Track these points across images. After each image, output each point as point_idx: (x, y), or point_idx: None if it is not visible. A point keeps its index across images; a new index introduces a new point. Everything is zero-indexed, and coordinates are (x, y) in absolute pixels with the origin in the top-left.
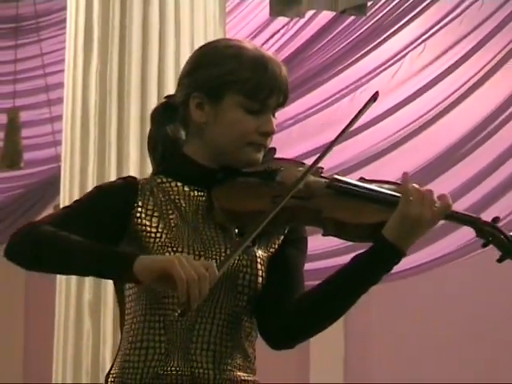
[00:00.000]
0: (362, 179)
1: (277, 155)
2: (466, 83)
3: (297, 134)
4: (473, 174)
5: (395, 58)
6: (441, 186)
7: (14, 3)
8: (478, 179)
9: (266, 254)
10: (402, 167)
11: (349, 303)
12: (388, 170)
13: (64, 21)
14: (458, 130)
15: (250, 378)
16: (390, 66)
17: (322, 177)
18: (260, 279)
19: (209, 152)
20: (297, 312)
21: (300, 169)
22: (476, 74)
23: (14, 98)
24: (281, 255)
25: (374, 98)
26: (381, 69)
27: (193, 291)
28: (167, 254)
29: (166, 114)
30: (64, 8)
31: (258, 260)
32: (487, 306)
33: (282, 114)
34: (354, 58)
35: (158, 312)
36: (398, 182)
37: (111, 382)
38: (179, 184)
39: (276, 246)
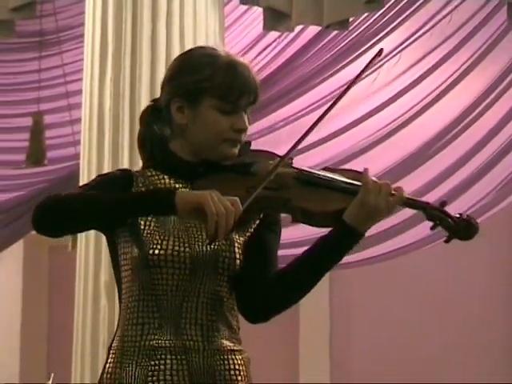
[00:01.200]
0: (326, 168)
1: (270, 152)
2: (436, 89)
3: (287, 135)
4: (443, 169)
5: (374, 67)
6: (415, 179)
7: (38, 20)
8: (447, 173)
9: (242, 238)
10: (381, 163)
11: (316, 278)
12: (369, 165)
13: (82, 35)
14: (430, 130)
15: (236, 348)
16: (369, 74)
17: (292, 167)
18: (238, 261)
19: (191, 148)
20: (271, 287)
21: (271, 162)
22: (444, 81)
23: (39, 103)
24: (257, 237)
25: (379, 53)
26: (362, 76)
27: (221, 223)
28: (155, 240)
29: (153, 115)
30: (82, 24)
31: (236, 244)
32: (455, 286)
33: (274, 117)
34: (337, 67)
35: (151, 292)
36: (360, 171)
37: (113, 353)
38: (166, 177)
39: (252, 230)
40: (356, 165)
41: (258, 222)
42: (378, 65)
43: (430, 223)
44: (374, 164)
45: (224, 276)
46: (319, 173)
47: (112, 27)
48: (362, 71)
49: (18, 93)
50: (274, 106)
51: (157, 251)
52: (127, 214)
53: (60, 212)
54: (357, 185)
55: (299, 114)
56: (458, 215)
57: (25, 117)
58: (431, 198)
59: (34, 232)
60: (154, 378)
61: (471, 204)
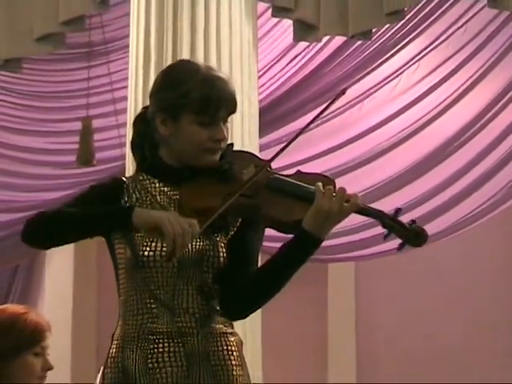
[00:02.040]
0: (298, 172)
1: (301, 151)
2: (451, 95)
3: (317, 136)
4: (457, 169)
5: (395, 74)
6: (431, 179)
7: (87, 32)
8: (461, 173)
9: (225, 240)
10: (400, 163)
11: (285, 279)
12: (388, 166)
13: (127, 46)
14: (445, 133)
15: (228, 331)
16: (391, 80)
17: (268, 171)
18: (222, 259)
19: (175, 156)
20: (249, 286)
21: (245, 171)
22: (459, 87)
23: (87, 108)
24: (240, 236)
25: (343, 92)
26: (383, 83)
27: (178, 242)
28: (145, 242)
29: (143, 123)
30: (127, 36)
31: (220, 244)
32: (472, 276)
33: (303, 120)
34: (361, 74)
35: (145, 288)
36: (329, 176)
37: (115, 340)
38: (156, 181)
39: (234, 229)
40: (376, 166)
41: (240, 221)
42: (399, 72)
43: (385, 232)
44: (392, 165)
45: (209, 273)
46: (289, 180)
47: (154, 38)
48: (326, 107)
49: (68, 99)
50: (305, 109)
51: (146, 252)
52: (93, 229)
53: (40, 230)
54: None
55: (327, 116)
56: (409, 223)
57: (74, 121)
58: (446, 196)
59: None
60: (154, 359)
61: (483, 201)
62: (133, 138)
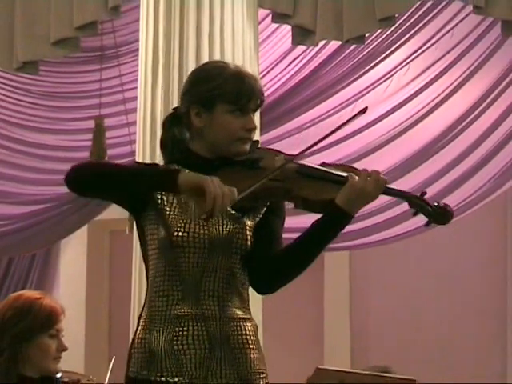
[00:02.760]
0: (323, 163)
1: (295, 149)
2: (439, 95)
3: (313, 134)
4: (445, 164)
5: (387, 76)
6: (421, 173)
7: (99, 37)
8: (449, 167)
9: (252, 223)
10: (392, 159)
11: (315, 254)
12: (380, 162)
13: (137, 50)
14: (434, 130)
15: (246, 316)
16: (382, 82)
17: (295, 163)
18: (249, 242)
19: (208, 147)
20: (277, 263)
21: (276, 158)
22: (447, 88)
23: (100, 108)
24: (265, 222)
25: (363, 111)
26: (376, 84)
27: (218, 202)
28: (179, 223)
29: (173, 121)
30: (137, 40)
31: (247, 228)
32: (458, 261)
33: (301, 119)
34: (356, 76)
35: (174, 268)
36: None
37: (142, 322)
38: (187, 171)
39: (260, 215)
40: (370, 161)
41: (265, 209)
42: (391, 74)
43: (413, 211)
44: (385, 160)
45: (237, 255)
46: (317, 167)
47: (162, 43)
48: (348, 120)
49: (81, 100)
50: (301, 109)
51: (180, 233)
52: (138, 184)
53: (87, 174)
54: (347, 176)
55: (323, 116)
56: (435, 203)
57: (88, 120)
58: (436, 188)
59: (96, 218)
60: (178, 341)
61: (470, 193)
62: (162, 137)
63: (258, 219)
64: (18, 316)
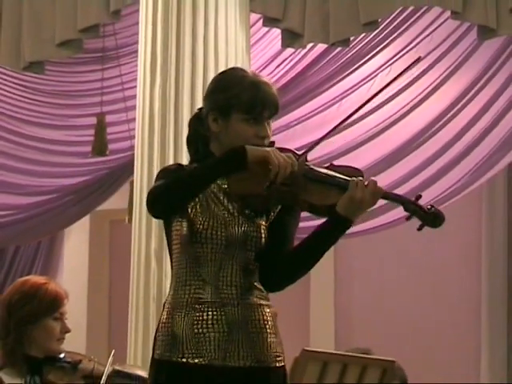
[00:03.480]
0: (331, 165)
1: (284, 146)
2: (419, 95)
3: (300, 131)
4: (423, 160)
5: (370, 77)
6: (399, 169)
7: (101, 39)
8: (426, 164)
9: (266, 223)
10: (373, 155)
11: (319, 255)
12: (362, 158)
13: (136, 51)
14: (414, 128)
15: (264, 303)
16: (366, 82)
17: (304, 165)
18: (263, 240)
19: (224, 150)
20: (286, 262)
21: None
22: (426, 88)
23: (101, 105)
24: (279, 221)
25: (418, 60)
26: (360, 84)
27: (281, 171)
28: (199, 221)
29: (197, 122)
30: (136, 42)
31: (262, 227)
32: (435, 253)
33: (289, 117)
34: (341, 77)
35: (195, 261)
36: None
37: (167, 308)
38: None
39: (274, 215)
40: (354, 156)
41: (280, 209)
42: (374, 75)
43: (407, 215)
44: (369, 155)
45: (252, 252)
46: (323, 171)
47: (160, 45)
48: (402, 73)
49: (84, 98)
50: (289, 108)
51: (200, 230)
52: (214, 177)
53: (165, 200)
54: (349, 181)
55: (310, 114)
56: (428, 207)
57: (90, 117)
58: (413, 183)
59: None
60: (199, 325)
61: (448, 186)
62: (188, 135)
63: (271, 219)
64: (25, 300)
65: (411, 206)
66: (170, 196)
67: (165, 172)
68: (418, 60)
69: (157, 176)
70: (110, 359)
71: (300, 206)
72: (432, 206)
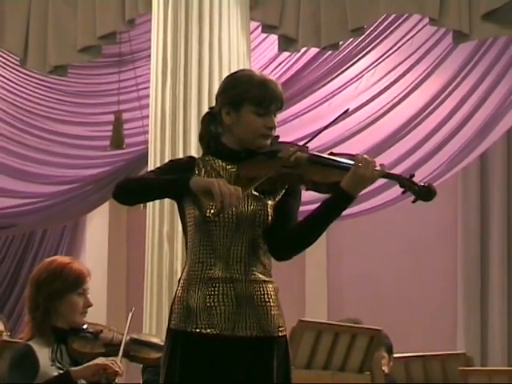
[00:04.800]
0: (331, 153)
1: (281, 139)
2: (401, 92)
3: (296, 125)
4: (408, 148)
5: (357, 77)
6: (389, 155)
7: (118, 45)
8: (411, 151)
9: (272, 203)
10: (364, 144)
11: (323, 227)
12: (355, 146)
13: (149, 56)
14: (398, 121)
15: (267, 279)
16: (354, 82)
17: (306, 153)
18: (269, 218)
19: (236, 141)
20: (291, 235)
21: (291, 149)
22: (408, 86)
23: (119, 104)
24: (283, 201)
25: (346, 111)
26: (348, 84)
27: (225, 201)
28: (211, 206)
29: (210, 119)
30: (149, 48)
31: (268, 206)
32: (416, 232)
33: (286, 113)
34: (332, 77)
35: (208, 240)
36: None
37: (182, 284)
38: (219, 161)
39: (279, 197)
40: (347, 145)
41: (284, 192)
42: (361, 75)
43: (401, 189)
44: (359, 145)
45: (260, 228)
46: (325, 156)
47: (170, 50)
48: (337, 118)
49: (103, 97)
50: (286, 105)
51: (212, 211)
52: (163, 192)
53: (127, 191)
54: (350, 163)
55: (304, 110)
56: (422, 184)
57: (108, 114)
58: (402, 167)
59: None
60: (210, 299)
61: (429, 173)
62: (200, 132)
63: (277, 199)
64: (52, 277)
65: (406, 182)
66: (128, 194)
67: (166, 164)
68: (346, 111)
69: (163, 164)
70: (130, 316)
71: (306, 185)
72: (424, 183)
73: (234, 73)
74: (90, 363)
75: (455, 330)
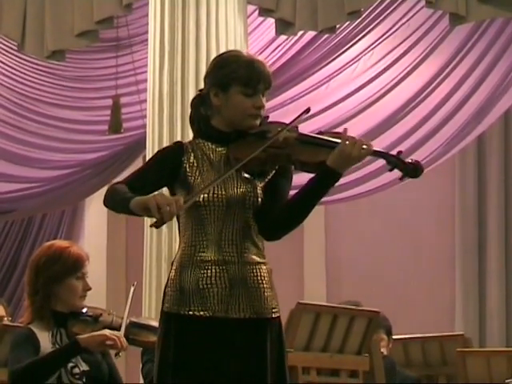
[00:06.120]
0: (319, 132)
1: (282, 120)
2: (399, 75)
3: (293, 109)
4: (405, 131)
5: (354, 60)
6: (386, 138)
7: (115, 29)
8: (408, 134)
9: (262, 184)
10: (362, 127)
11: (310, 206)
12: (353, 129)
13: (147, 40)
14: (395, 103)
15: (261, 261)
16: (351, 65)
17: (295, 132)
18: (259, 199)
19: (225, 122)
20: (280, 214)
21: (279, 129)
22: (405, 69)
23: (116, 88)
24: (274, 182)
25: (307, 111)
26: (346, 67)
27: (164, 211)
28: (201, 186)
29: (199, 101)
30: (147, 32)
31: (258, 188)
32: (413, 213)
33: (283, 97)
34: (328, 60)
35: (199, 223)
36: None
37: (175, 266)
38: (209, 143)
39: (269, 177)
40: (345, 127)
41: (274, 172)
42: (358, 58)
43: (389, 167)
44: (357, 128)
45: (250, 210)
46: (313, 135)
47: (168, 34)
48: (296, 119)
49: (101, 82)
50: (283, 88)
51: (202, 196)
52: (126, 211)
53: (108, 201)
54: (337, 142)
55: (301, 94)
56: (409, 160)
57: (106, 99)
58: (399, 149)
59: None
60: (203, 281)
61: (427, 154)
62: (190, 115)
63: (267, 180)
64: (51, 261)
65: (393, 160)
66: (109, 204)
67: (155, 155)
68: (307, 111)
69: (153, 156)
70: (132, 290)
71: (294, 165)
72: (411, 160)
73: (221, 54)
74: (98, 333)
75: (453, 311)
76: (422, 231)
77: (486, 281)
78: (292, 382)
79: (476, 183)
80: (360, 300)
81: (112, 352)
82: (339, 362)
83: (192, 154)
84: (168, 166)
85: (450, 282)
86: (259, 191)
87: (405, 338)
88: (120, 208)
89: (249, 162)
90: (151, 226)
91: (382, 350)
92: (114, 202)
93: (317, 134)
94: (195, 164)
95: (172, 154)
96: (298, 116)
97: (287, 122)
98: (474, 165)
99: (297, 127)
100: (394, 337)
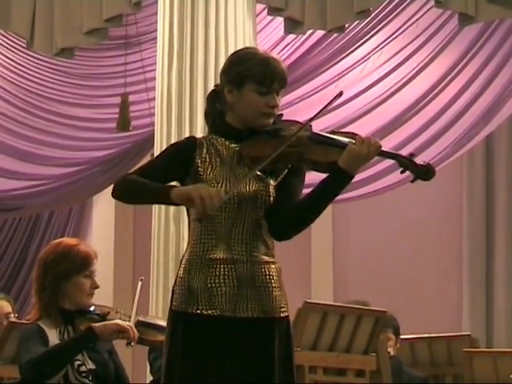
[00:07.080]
0: (332, 131)
1: (296, 121)
2: (407, 74)
3: (302, 108)
4: (414, 130)
5: (363, 59)
6: (395, 137)
7: (124, 27)
8: (417, 133)
9: (275, 182)
10: (371, 126)
11: (323, 206)
12: (362, 128)
13: (156, 38)
14: (404, 103)
15: (270, 260)
16: (360, 64)
17: (309, 131)
18: (271, 198)
19: (239, 119)
20: (292, 215)
21: (293, 128)
22: (413, 69)
23: (125, 87)
24: (286, 181)
25: (340, 94)
26: (354, 66)
27: (207, 203)
28: (213, 183)
29: (214, 97)
30: (156, 30)
31: (270, 186)
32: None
33: (292, 95)
34: (337, 59)
35: (210, 221)
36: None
37: (183, 264)
38: (223, 139)
39: (282, 176)
40: (353, 127)
41: (287, 171)
42: (367, 57)
43: (401, 169)
44: (366, 127)
45: (261, 208)
46: (325, 134)
47: (176, 32)
48: (331, 102)
49: (109, 79)
50: (292, 87)
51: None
52: (148, 202)
53: (122, 190)
54: (348, 142)
55: (310, 92)
56: (421, 163)
57: (115, 96)
58: (408, 149)
59: None
60: (212, 280)
61: (435, 154)
62: (205, 109)
63: (279, 179)
64: (59, 259)
65: (405, 161)
66: (121, 194)
67: (168, 148)
68: (340, 94)
69: (165, 149)
70: (139, 285)
71: (305, 164)
72: (423, 162)
73: (238, 51)
74: (111, 322)
75: (461, 311)
76: (429, 231)
77: (494, 281)
78: (299, 381)
79: (484, 183)
80: (367, 298)
81: (122, 343)
82: (346, 361)
83: (205, 150)
84: (179, 160)
85: (458, 282)
86: (271, 190)
87: (412, 338)
88: (140, 198)
89: (262, 161)
90: (196, 219)
91: (388, 349)
92: (132, 192)
93: (329, 132)
94: (207, 159)
95: (184, 149)
96: (331, 100)
97: (298, 120)
98: (482, 165)
99: (310, 126)
100: (401, 336)
